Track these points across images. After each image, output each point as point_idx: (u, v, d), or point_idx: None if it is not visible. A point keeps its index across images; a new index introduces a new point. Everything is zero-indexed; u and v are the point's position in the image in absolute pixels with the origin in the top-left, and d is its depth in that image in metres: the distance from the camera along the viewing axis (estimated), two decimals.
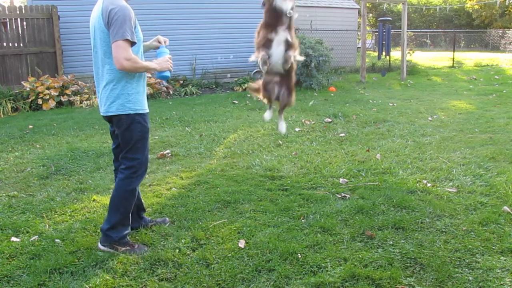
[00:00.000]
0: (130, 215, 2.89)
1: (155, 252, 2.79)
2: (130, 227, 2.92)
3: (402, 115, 7.10)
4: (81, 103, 8.31)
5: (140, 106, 2.77)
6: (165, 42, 3.02)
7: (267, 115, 3.20)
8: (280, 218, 3.29)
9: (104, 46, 2.65)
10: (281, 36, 2.97)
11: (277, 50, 2.93)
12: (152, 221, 3.20)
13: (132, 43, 2.58)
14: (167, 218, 3.26)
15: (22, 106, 7.90)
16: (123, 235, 2.83)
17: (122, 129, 2.76)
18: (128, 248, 2.80)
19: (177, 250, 2.81)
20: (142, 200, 3.20)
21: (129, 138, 2.77)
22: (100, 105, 2.81)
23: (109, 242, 2.79)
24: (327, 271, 2.57)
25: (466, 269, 2.58)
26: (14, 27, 8.63)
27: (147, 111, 2.85)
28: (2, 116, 7.48)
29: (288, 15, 2.94)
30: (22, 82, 8.20)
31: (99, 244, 2.83)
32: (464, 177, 4.08)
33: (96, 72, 2.80)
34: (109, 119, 2.81)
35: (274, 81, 3.10)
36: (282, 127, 3.16)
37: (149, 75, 8.20)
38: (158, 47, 3.04)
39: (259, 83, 3.24)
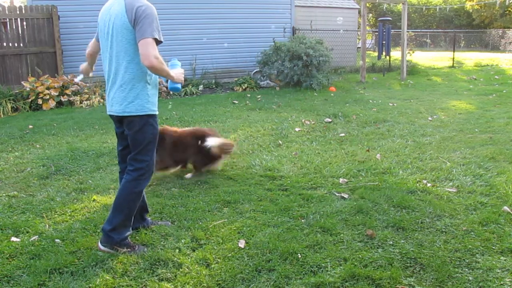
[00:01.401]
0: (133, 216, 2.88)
1: (155, 252, 2.78)
2: (131, 229, 2.91)
3: (402, 115, 7.11)
4: (81, 103, 8.31)
5: (155, 107, 2.80)
6: None
7: None
8: (280, 218, 3.29)
9: (126, 44, 2.61)
10: None
11: None
12: (154, 223, 3.19)
13: (159, 42, 2.58)
14: (169, 222, 3.24)
15: (22, 106, 7.90)
16: (125, 236, 2.82)
17: (134, 131, 2.72)
18: (128, 249, 2.79)
19: (177, 250, 2.81)
20: (147, 201, 3.20)
21: (141, 140, 2.74)
22: (112, 104, 2.76)
23: (110, 243, 2.78)
24: (327, 271, 2.57)
25: (466, 269, 2.58)
26: (14, 27, 8.63)
27: (157, 112, 2.86)
28: (2, 116, 7.49)
29: None
30: (22, 82, 8.20)
31: (99, 244, 2.82)
32: (464, 177, 4.08)
33: (108, 71, 2.75)
34: (120, 119, 2.77)
35: None
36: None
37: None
38: None
39: None
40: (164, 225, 3.17)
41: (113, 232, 2.77)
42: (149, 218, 3.22)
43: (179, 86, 2.88)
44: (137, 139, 2.75)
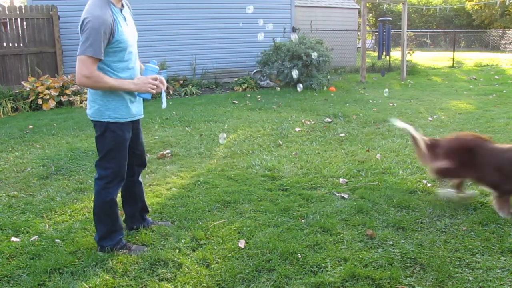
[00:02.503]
0: (121, 221, 2.83)
1: (155, 252, 2.78)
2: (123, 231, 2.89)
3: (402, 115, 7.10)
4: (81, 103, 8.31)
5: (119, 114, 2.61)
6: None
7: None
8: (280, 218, 3.29)
9: None
10: None
11: None
12: (154, 223, 3.19)
13: (98, 59, 2.41)
14: (169, 222, 3.23)
15: (22, 106, 7.90)
16: (117, 241, 2.80)
17: (96, 135, 2.68)
18: (125, 251, 2.78)
19: (177, 250, 2.81)
20: (146, 201, 3.19)
21: (101, 145, 2.67)
22: None
23: (106, 250, 2.76)
24: (327, 271, 2.57)
25: (466, 269, 2.58)
26: (14, 27, 8.63)
27: (129, 119, 2.68)
28: (2, 116, 7.48)
29: None
30: (22, 82, 8.19)
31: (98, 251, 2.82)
32: None
33: None
34: None
35: None
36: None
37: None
38: None
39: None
40: (164, 225, 3.17)
41: (103, 241, 2.77)
42: (149, 218, 3.21)
43: (146, 95, 2.65)
44: (98, 144, 2.69)
